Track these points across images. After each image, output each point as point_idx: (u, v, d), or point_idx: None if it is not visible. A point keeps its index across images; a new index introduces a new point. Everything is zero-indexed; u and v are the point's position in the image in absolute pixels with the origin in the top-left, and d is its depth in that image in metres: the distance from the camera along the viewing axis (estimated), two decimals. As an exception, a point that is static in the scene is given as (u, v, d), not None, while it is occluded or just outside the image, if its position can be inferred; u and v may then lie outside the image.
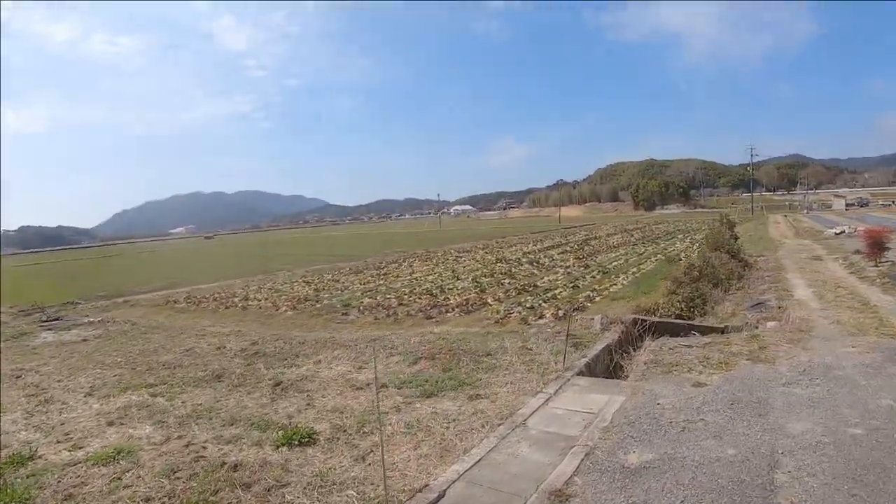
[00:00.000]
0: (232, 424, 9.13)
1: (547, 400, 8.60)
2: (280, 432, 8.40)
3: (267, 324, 19.27)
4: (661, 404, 7.90)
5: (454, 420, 8.33)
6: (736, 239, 28.88)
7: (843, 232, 40.04)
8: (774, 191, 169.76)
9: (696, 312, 16.32)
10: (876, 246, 22.72)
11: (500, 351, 12.12)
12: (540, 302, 18.85)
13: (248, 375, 12.36)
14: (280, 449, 7.84)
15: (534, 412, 8.15)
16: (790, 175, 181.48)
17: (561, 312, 16.65)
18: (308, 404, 9.97)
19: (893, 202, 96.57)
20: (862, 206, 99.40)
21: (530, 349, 12.06)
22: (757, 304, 16.19)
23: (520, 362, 11.06)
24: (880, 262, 21.84)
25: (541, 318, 16.14)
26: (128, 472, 7.41)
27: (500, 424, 7.87)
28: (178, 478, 7.12)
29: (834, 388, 8.10)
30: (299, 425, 8.65)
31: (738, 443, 6.50)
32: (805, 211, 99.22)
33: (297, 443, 7.98)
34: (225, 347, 15.75)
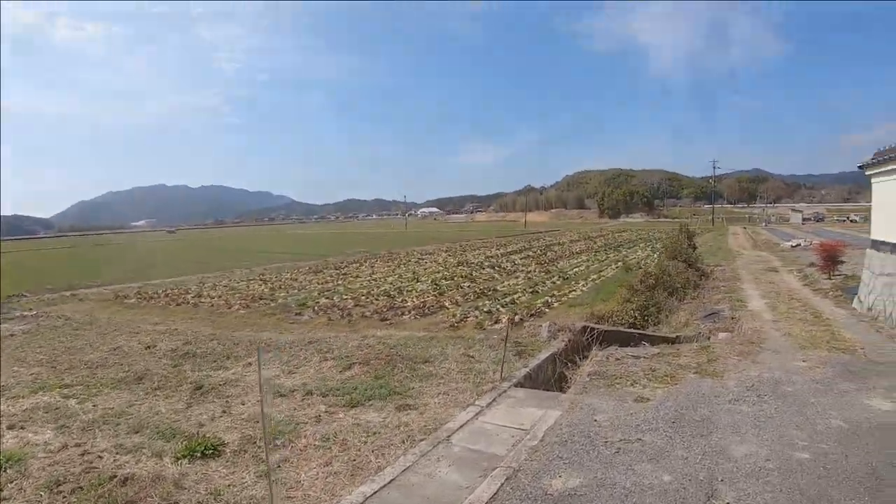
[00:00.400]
0: (137, 432, 8.39)
1: (477, 413, 7.90)
2: (184, 442, 7.65)
3: (216, 322, 18.29)
4: (598, 421, 7.26)
5: (375, 433, 7.62)
6: (694, 248, 28.84)
7: (800, 245, 40.62)
8: (735, 203, 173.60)
9: (649, 321, 15.98)
10: (830, 259, 22.87)
11: (440, 357, 11.45)
12: (497, 306, 18.64)
13: (171, 378, 11.54)
14: (180, 461, 7.13)
15: (461, 427, 7.44)
16: (751, 189, 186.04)
17: (517, 318, 16.32)
18: (224, 411, 9.24)
19: (847, 218, 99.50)
20: (818, 221, 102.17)
21: (472, 356, 11.40)
22: (711, 314, 15.85)
23: (457, 370, 10.38)
24: (834, 276, 21.93)
25: (497, 322, 15.81)
26: (11, 482, 6.70)
27: (422, 440, 7.15)
28: (61, 491, 6.42)
29: (782, 407, 7.60)
30: (207, 435, 7.94)
31: (675, 467, 5.88)
32: (763, 224, 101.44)
33: (199, 455, 7.27)
34: (155, 347, 14.78)
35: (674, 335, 12.94)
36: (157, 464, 7.10)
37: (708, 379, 9.09)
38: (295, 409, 9.02)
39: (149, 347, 14.70)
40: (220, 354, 13.42)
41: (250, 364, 12.31)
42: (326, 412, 8.72)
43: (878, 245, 15.74)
